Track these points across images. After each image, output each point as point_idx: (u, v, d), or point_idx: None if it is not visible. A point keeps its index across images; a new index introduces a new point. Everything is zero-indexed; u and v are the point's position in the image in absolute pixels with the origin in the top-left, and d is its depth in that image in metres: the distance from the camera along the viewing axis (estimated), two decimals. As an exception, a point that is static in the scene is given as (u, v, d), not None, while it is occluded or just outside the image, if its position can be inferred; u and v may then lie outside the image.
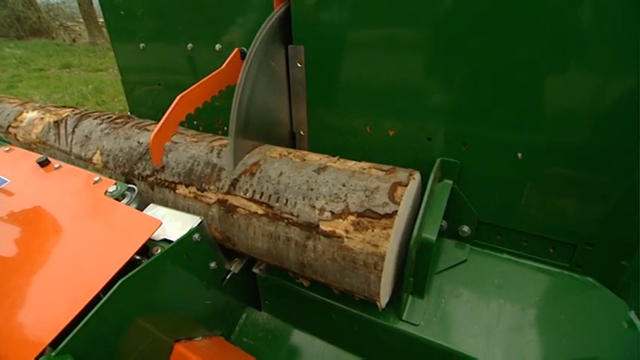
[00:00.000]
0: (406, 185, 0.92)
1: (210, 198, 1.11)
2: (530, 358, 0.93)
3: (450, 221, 1.21)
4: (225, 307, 1.24)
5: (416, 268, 1.02)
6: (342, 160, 1.08)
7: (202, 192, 1.11)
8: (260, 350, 1.28)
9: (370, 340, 1.17)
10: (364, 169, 1.01)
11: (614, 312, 0.96)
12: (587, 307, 1.00)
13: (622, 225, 0.97)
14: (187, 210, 1.17)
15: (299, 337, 1.31)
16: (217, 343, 1.20)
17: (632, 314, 0.92)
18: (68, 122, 1.54)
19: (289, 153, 1.13)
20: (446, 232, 1.24)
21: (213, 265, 1.10)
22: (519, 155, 1.02)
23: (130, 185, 1.17)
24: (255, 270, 1.26)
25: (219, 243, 1.16)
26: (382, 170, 1.00)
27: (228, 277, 1.20)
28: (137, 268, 0.85)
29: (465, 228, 1.19)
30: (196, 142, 1.24)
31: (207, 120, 1.64)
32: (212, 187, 1.10)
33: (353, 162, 1.07)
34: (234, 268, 1.22)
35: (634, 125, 0.88)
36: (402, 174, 0.97)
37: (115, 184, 1.14)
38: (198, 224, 1.01)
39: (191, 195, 1.14)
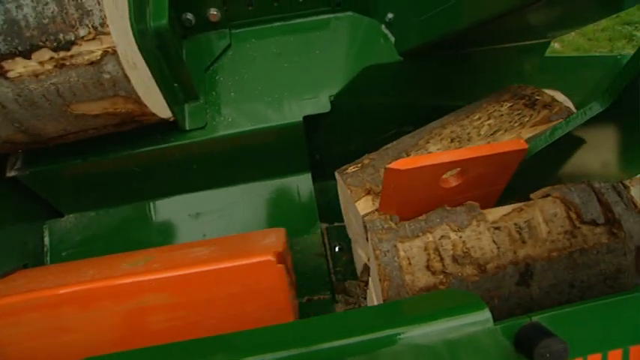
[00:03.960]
0: None
1: None
2: (320, 83, 1.11)
3: (194, 11, 1.08)
4: (2, 236, 0.98)
5: (172, 69, 0.95)
6: None
7: None
8: (90, 251, 1.10)
9: (177, 168, 1.08)
10: None
11: (372, 32, 1.23)
12: (353, 34, 1.24)
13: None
14: None
15: (121, 214, 1.14)
16: (21, 275, 0.96)
17: (383, 27, 1.22)
18: None
19: None
20: (196, 26, 1.11)
21: None
22: None
23: None
24: (11, 173, 0.96)
25: None
26: None
27: None
28: None
29: (214, 11, 1.10)
30: None
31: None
32: None
33: None
34: None
35: None
36: None
37: None
38: None
39: None
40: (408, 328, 0.36)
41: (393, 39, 1.19)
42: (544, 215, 0.60)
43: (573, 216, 0.60)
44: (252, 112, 1.08)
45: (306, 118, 1.08)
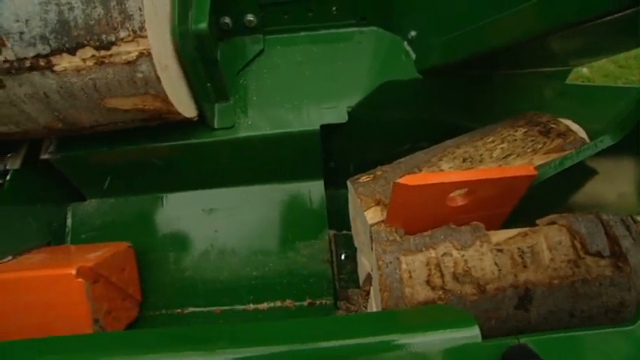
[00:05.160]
0: None
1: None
2: (340, 94, 1.14)
3: (232, 15, 1.13)
4: (30, 214, 1.06)
5: (207, 69, 1.00)
6: None
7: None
8: (107, 236, 1.17)
9: (201, 165, 1.13)
10: None
11: (395, 48, 1.26)
12: (376, 49, 1.28)
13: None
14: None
15: (139, 203, 1.20)
16: (44, 252, 1.05)
17: (405, 44, 1.25)
18: None
19: None
20: (234, 29, 1.15)
21: None
22: None
23: None
24: (45, 156, 1.03)
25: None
26: None
27: (9, 177, 0.99)
28: None
29: (250, 17, 1.14)
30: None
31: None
32: None
33: None
34: (12, 164, 1.00)
35: None
36: None
37: None
38: None
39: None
40: (398, 337, 0.37)
41: (414, 56, 1.21)
42: (548, 242, 0.61)
43: (578, 246, 0.60)
44: (273, 116, 1.12)
45: (323, 126, 1.11)
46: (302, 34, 1.22)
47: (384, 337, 0.38)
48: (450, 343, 0.36)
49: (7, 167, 1.01)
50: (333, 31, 1.24)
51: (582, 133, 0.81)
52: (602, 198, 0.71)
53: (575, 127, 0.79)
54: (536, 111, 0.91)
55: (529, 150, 0.73)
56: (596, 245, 0.59)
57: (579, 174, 0.65)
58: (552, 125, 0.77)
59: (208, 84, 1.03)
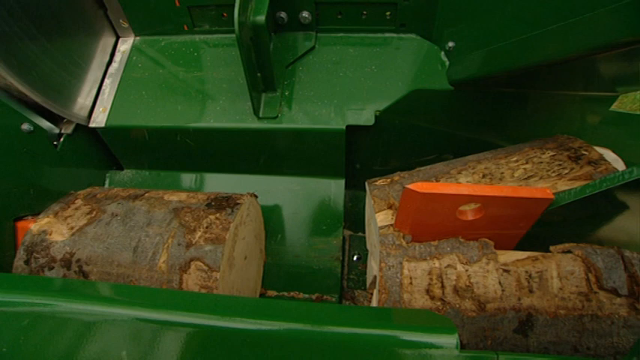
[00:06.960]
0: None
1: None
2: (370, 97, 1.15)
3: (289, 11, 1.16)
4: (74, 175, 1.16)
5: (259, 60, 1.02)
6: None
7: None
8: None
9: (237, 150, 1.16)
10: None
11: (431, 57, 1.25)
12: (412, 56, 1.28)
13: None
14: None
15: (170, 179, 1.28)
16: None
17: (442, 55, 1.24)
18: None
19: None
20: (288, 24, 1.19)
21: (26, 127, 0.97)
22: None
23: None
24: (92, 125, 1.13)
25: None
26: None
27: (62, 140, 1.08)
28: None
29: (305, 14, 1.17)
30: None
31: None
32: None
33: None
34: (65, 128, 1.09)
35: None
36: None
37: None
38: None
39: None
40: (372, 331, 0.37)
41: (450, 67, 1.20)
42: (559, 270, 0.58)
43: (592, 279, 0.57)
44: (307, 111, 1.15)
45: (349, 127, 1.12)
46: (340, 35, 1.24)
47: (357, 330, 0.38)
48: (426, 346, 0.36)
49: (62, 131, 1.10)
50: (371, 35, 1.24)
51: (619, 165, 0.76)
52: (627, 234, 0.67)
53: (611, 157, 0.75)
54: (574, 136, 0.87)
55: (554, 174, 0.70)
56: (613, 282, 0.57)
57: (603, 205, 0.62)
58: (584, 152, 0.74)
59: (259, 74, 1.07)
